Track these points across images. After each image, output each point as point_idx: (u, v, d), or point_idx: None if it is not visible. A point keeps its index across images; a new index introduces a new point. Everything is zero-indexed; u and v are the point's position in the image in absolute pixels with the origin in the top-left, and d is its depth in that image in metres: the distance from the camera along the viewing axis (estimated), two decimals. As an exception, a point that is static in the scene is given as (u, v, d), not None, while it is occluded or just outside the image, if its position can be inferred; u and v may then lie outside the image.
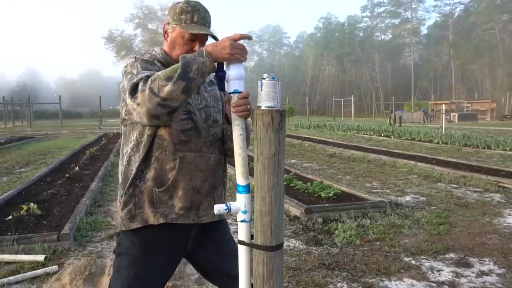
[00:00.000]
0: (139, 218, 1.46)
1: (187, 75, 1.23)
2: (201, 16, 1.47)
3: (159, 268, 1.53)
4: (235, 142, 1.35)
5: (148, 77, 1.28)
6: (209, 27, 1.51)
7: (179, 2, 1.50)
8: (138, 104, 1.27)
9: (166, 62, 1.49)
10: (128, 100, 1.32)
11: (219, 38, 1.38)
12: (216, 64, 1.31)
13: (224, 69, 1.34)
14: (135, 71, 1.37)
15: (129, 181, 1.44)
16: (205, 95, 1.56)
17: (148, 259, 1.49)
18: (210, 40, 1.49)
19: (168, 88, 1.22)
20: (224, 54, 1.28)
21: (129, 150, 1.48)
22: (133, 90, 1.28)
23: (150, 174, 1.44)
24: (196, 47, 1.46)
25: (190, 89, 1.25)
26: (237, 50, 1.29)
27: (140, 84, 1.27)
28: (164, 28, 1.53)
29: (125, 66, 1.44)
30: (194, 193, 1.47)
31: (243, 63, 1.34)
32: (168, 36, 1.51)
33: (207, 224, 1.56)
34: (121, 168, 1.52)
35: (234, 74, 1.32)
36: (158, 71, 1.33)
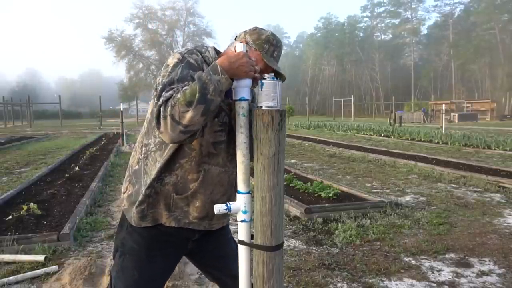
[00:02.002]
0: (150, 217, 1.44)
1: (205, 97, 1.19)
2: (278, 54, 1.48)
3: (162, 268, 1.53)
4: (238, 149, 1.33)
5: (168, 100, 1.23)
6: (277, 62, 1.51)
7: (264, 30, 1.48)
8: (161, 133, 1.25)
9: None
10: (153, 125, 1.30)
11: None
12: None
13: None
14: (172, 75, 1.31)
15: (149, 183, 1.41)
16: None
17: (152, 261, 1.49)
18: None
19: (189, 114, 1.19)
20: (241, 72, 1.26)
21: (151, 145, 1.44)
22: (157, 118, 1.25)
23: (171, 179, 1.41)
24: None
25: (210, 110, 1.22)
26: (253, 68, 1.28)
27: (162, 109, 1.23)
28: (241, 36, 1.47)
29: (169, 60, 1.38)
30: (211, 206, 1.44)
31: None
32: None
33: None
34: (137, 157, 1.49)
35: (241, 82, 1.30)
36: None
